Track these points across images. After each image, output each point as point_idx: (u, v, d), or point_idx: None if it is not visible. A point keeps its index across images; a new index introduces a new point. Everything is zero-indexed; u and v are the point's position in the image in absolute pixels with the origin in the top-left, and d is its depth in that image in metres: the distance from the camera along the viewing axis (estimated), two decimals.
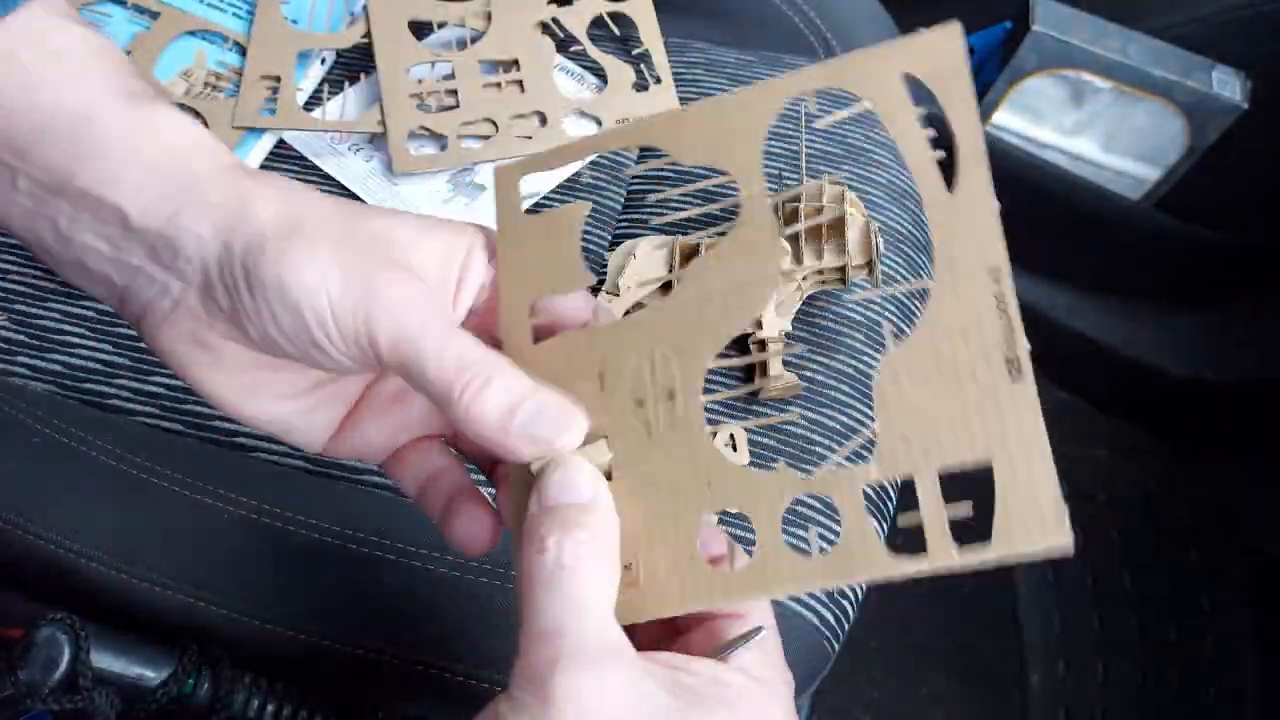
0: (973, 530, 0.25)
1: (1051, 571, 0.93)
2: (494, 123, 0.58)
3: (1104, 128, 0.88)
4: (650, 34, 0.63)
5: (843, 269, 0.51)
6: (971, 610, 0.90)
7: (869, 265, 0.51)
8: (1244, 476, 0.95)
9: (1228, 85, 0.83)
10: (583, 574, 0.27)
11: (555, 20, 0.62)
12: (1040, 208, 0.91)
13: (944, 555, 0.25)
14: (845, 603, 0.49)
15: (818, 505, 0.47)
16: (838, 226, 0.50)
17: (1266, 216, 0.89)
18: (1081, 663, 0.89)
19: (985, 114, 0.90)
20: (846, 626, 0.49)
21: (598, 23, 0.63)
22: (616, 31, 0.63)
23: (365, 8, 0.60)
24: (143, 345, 0.51)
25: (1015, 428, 0.25)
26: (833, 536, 0.32)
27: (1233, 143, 0.85)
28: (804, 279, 0.52)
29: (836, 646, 0.49)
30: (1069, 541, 0.24)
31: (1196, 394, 0.96)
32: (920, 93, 0.28)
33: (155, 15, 0.60)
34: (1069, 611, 0.91)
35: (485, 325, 0.32)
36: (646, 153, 0.58)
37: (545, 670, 0.25)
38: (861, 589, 0.50)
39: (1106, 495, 0.97)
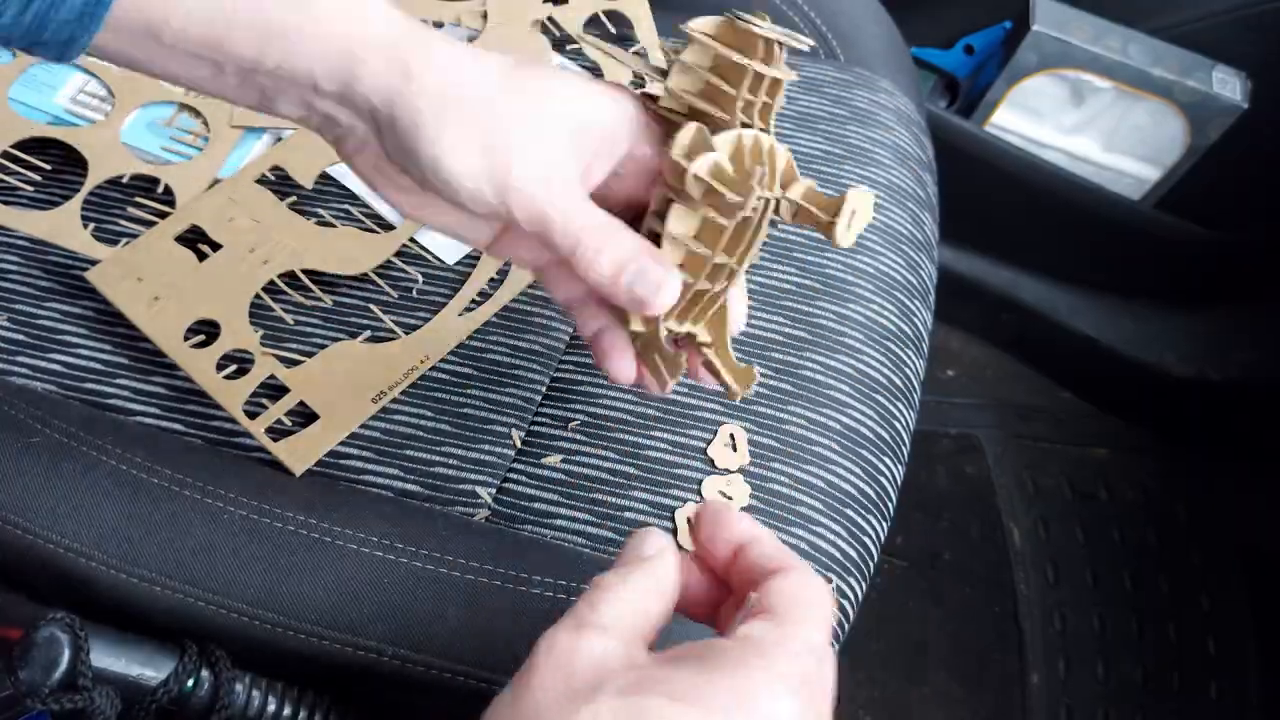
0: None
1: (1052, 571, 0.93)
2: None
3: (1104, 128, 0.88)
4: (646, 32, 0.63)
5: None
6: (971, 610, 0.90)
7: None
8: (1244, 476, 0.95)
9: (1228, 85, 0.83)
10: (614, 590, 0.30)
11: (551, 19, 0.62)
12: (1040, 208, 0.91)
13: None
14: (845, 603, 0.49)
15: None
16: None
17: (1267, 216, 0.89)
18: (1082, 662, 0.89)
19: (985, 114, 0.90)
20: (846, 627, 0.49)
21: (594, 21, 0.63)
22: (613, 30, 0.63)
23: None
24: (143, 345, 0.51)
25: None
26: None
27: (1233, 143, 0.85)
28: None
29: (837, 646, 0.49)
30: None
31: (1196, 394, 0.96)
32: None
33: None
34: (1069, 611, 0.91)
35: (621, 187, 0.38)
36: None
37: (541, 637, 0.28)
38: (862, 590, 0.50)
39: (1106, 495, 0.97)
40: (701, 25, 0.35)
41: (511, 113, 0.34)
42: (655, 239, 0.36)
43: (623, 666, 0.27)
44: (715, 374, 0.39)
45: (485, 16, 0.61)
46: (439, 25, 0.61)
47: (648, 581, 0.30)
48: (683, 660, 0.27)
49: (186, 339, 0.50)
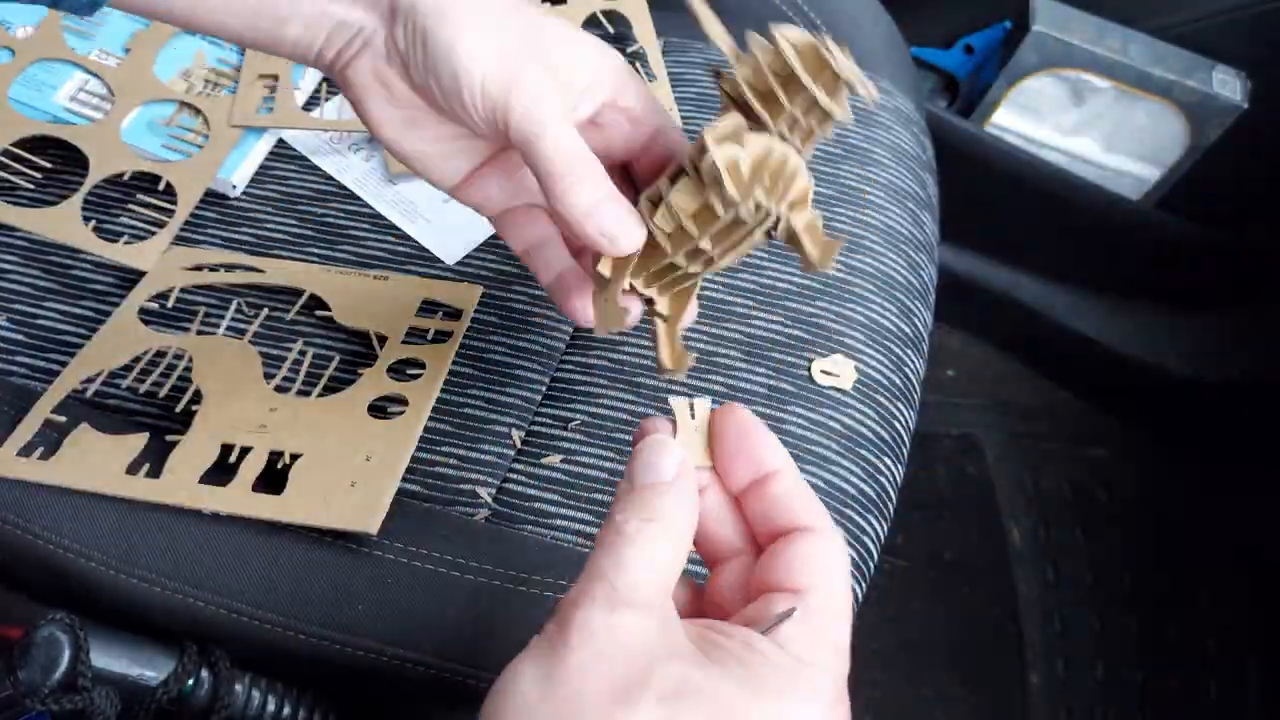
0: None
1: (1052, 571, 0.93)
2: None
3: (1104, 128, 0.88)
4: (645, 32, 0.63)
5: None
6: (971, 610, 0.90)
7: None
8: (1244, 476, 0.95)
9: (1228, 85, 0.83)
10: (639, 544, 0.28)
11: None
12: (1040, 208, 0.91)
13: None
14: None
15: None
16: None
17: (1267, 216, 0.89)
18: (1081, 662, 0.89)
19: (985, 114, 0.90)
20: None
21: (592, 21, 0.63)
22: (611, 30, 0.63)
23: None
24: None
25: None
26: None
27: (1233, 143, 0.85)
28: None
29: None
30: None
31: (1196, 394, 0.96)
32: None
33: None
34: (1069, 611, 0.91)
35: (599, 137, 0.39)
36: None
37: (570, 607, 0.27)
38: (862, 590, 0.50)
39: (1106, 495, 0.97)
40: (789, 34, 0.36)
41: (523, 30, 0.35)
42: (655, 203, 0.37)
43: (664, 653, 0.26)
44: (656, 345, 0.40)
45: None
46: None
47: (671, 528, 0.29)
48: (725, 665, 0.26)
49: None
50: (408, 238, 0.56)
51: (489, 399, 0.50)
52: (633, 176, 0.41)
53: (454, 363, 0.50)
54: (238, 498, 0.44)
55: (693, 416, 0.32)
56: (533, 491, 0.48)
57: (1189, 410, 0.98)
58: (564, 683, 0.25)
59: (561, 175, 0.35)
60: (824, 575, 0.29)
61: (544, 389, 0.51)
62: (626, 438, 0.49)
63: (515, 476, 0.48)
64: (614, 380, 0.51)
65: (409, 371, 0.49)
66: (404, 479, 0.48)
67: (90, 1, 0.35)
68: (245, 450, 0.46)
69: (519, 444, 0.49)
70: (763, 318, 0.54)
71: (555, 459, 0.49)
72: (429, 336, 0.51)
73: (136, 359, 0.50)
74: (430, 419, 0.49)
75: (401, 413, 0.47)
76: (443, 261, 0.55)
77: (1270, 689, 0.88)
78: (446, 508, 0.47)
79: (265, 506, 0.44)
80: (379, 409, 0.48)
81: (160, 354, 0.50)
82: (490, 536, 0.46)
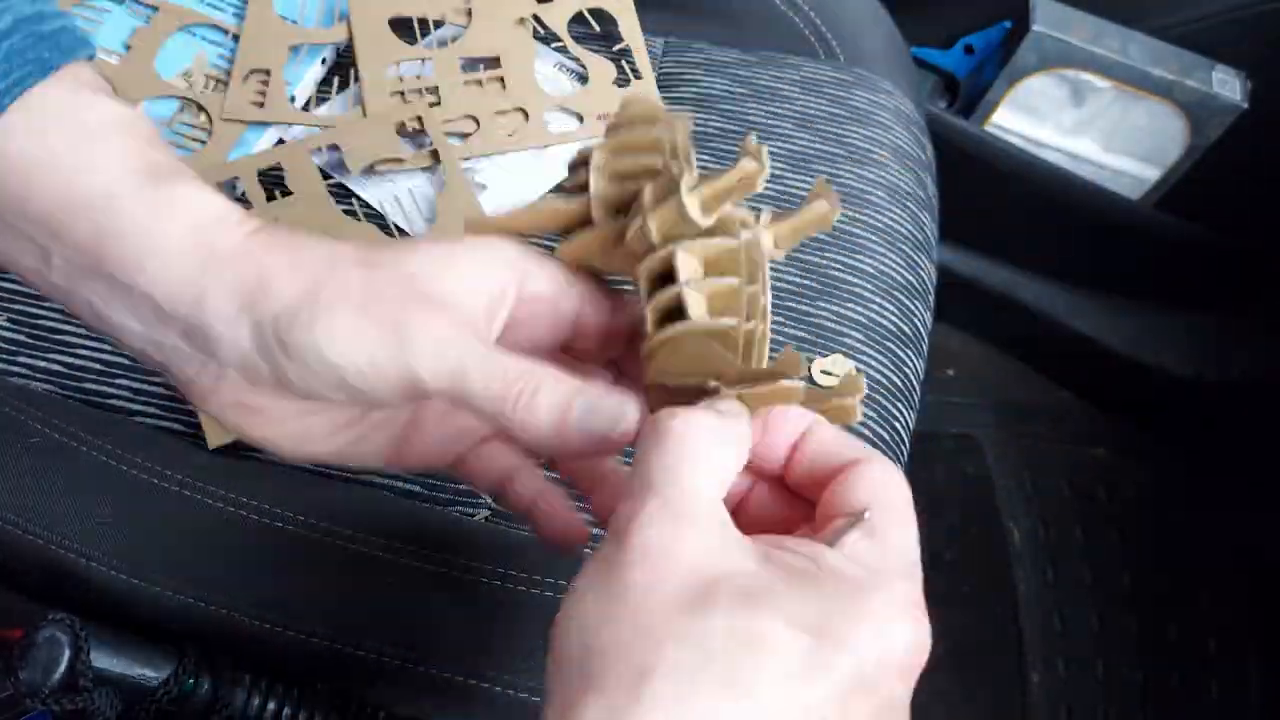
0: None
1: (1051, 571, 0.93)
2: (476, 119, 0.58)
3: (1104, 127, 0.88)
4: (630, 30, 0.63)
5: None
6: (971, 609, 0.90)
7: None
8: (1244, 476, 0.95)
9: (1228, 85, 0.83)
10: (690, 443, 0.26)
11: (536, 17, 0.62)
12: (1040, 208, 0.91)
13: None
14: None
15: None
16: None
17: (1266, 216, 0.89)
18: (1081, 662, 0.89)
19: (985, 114, 0.90)
20: None
21: (578, 19, 0.63)
22: (597, 28, 0.63)
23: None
24: None
25: None
26: None
27: (1233, 142, 0.85)
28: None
29: None
30: None
31: (1196, 394, 0.96)
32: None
33: (154, 9, 0.60)
34: (1069, 611, 0.91)
35: (524, 335, 0.32)
36: None
37: (626, 521, 0.25)
38: None
39: (1106, 495, 0.97)
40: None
41: (388, 279, 0.30)
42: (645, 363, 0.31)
43: (728, 563, 0.25)
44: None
45: (470, 14, 0.61)
46: (424, 23, 0.61)
47: (724, 425, 0.27)
48: (794, 573, 0.25)
49: None
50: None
51: None
52: (577, 355, 0.35)
53: None
54: None
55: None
56: None
57: (1189, 410, 0.98)
58: (627, 600, 0.24)
59: (508, 402, 0.29)
60: (882, 492, 0.28)
61: None
62: None
63: None
64: None
65: None
66: (404, 479, 0.48)
67: None
68: None
69: None
70: None
71: None
72: None
73: None
74: None
75: None
76: None
77: (1271, 689, 0.88)
78: (446, 508, 0.47)
79: None
80: None
81: None
82: (490, 536, 0.46)
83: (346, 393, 0.30)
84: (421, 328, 0.29)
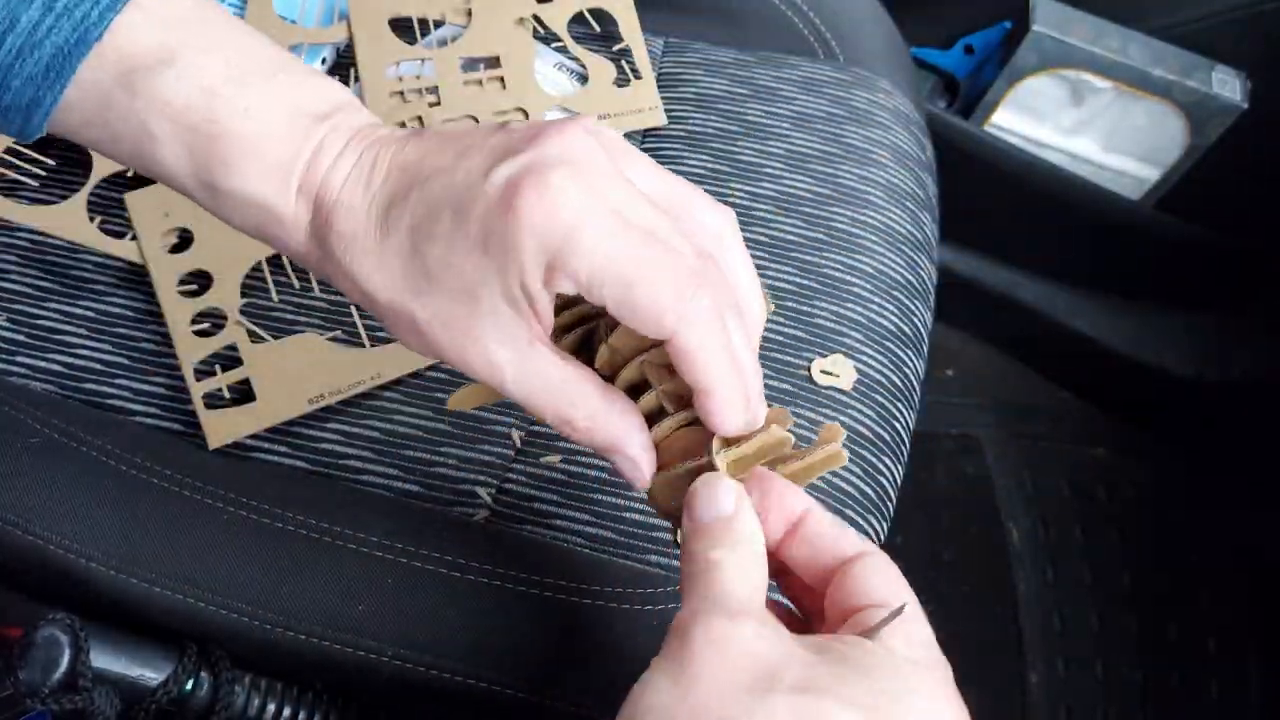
0: None
1: (1051, 571, 0.93)
2: (476, 120, 0.58)
3: (1104, 128, 0.88)
4: (630, 30, 0.63)
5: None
6: (970, 609, 0.90)
7: None
8: (1244, 476, 0.95)
9: (1228, 85, 0.83)
10: (729, 567, 0.29)
11: (536, 17, 0.62)
12: (1040, 208, 0.91)
13: None
14: None
15: None
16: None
17: (1266, 217, 0.89)
18: (1081, 662, 0.89)
19: (985, 114, 0.90)
20: None
21: (578, 19, 0.63)
22: (597, 28, 0.63)
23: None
24: (143, 345, 0.51)
25: None
26: None
27: (1233, 143, 0.85)
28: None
29: None
30: None
31: (1196, 394, 0.96)
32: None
33: None
34: (1068, 610, 0.91)
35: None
36: None
37: (688, 623, 0.28)
38: None
39: (1106, 495, 0.97)
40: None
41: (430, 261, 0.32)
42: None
43: (787, 653, 0.27)
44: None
45: (469, 14, 0.61)
46: (424, 23, 0.61)
47: (751, 548, 0.30)
48: (841, 660, 0.27)
49: (180, 284, 0.52)
50: None
51: None
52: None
53: None
54: None
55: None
56: (532, 491, 0.48)
57: (1189, 410, 0.98)
58: (696, 687, 0.27)
59: (544, 412, 0.32)
60: (896, 587, 0.30)
61: None
62: None
63: (515, 477, 0.48)
64: None
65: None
66: (404, 479, 0.48)
67: (24, 120, 0.32)
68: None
69: (519, 444, 0.49)
70: None
71: (555, 459, 0.49)
72: None
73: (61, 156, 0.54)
74: (430, 419, 0.49)
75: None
76: None
77: (1271, 689, 0.88)
78: (446, 508, 0.47)
79: None
80: None
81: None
82: (490, 536, 0.46)
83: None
84: (448, 329, 0.31)
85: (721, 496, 0.31)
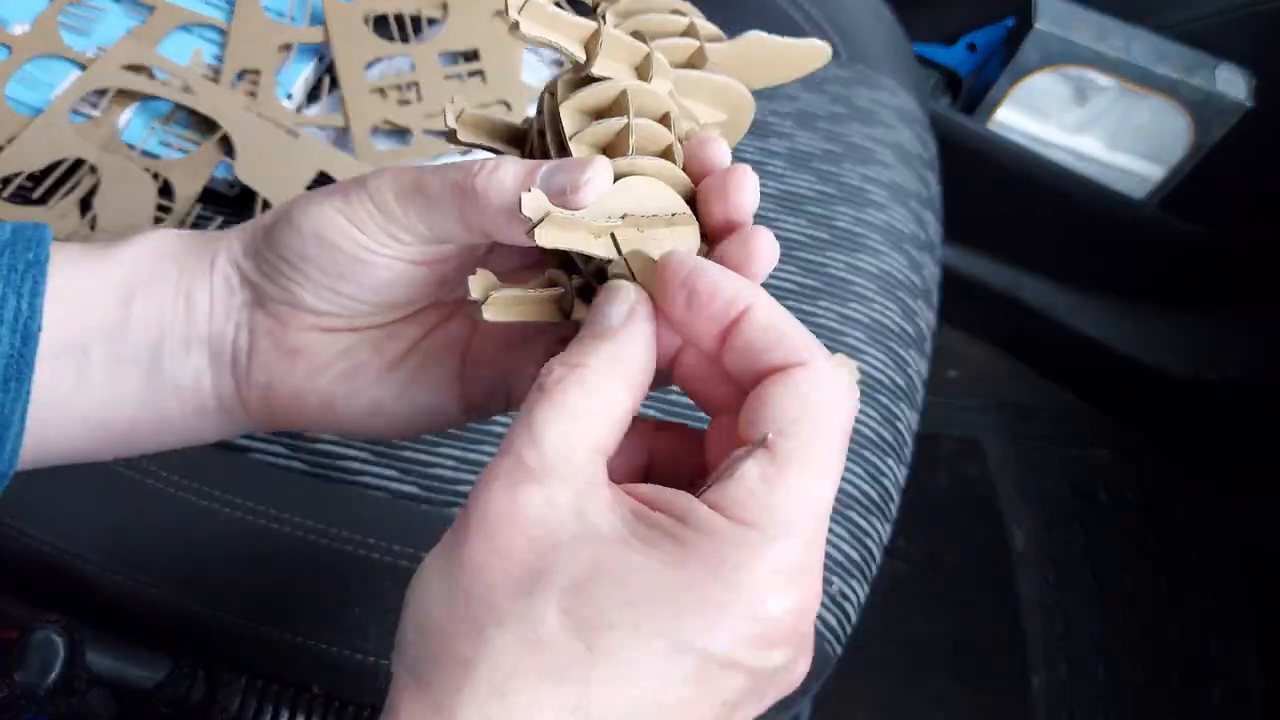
0: None
1: (1053, 572, 0.93)
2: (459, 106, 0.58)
3: (1108, 126, 0.88)
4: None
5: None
6: (972, 612, 0.90)
7: None
8: (1244, 476, 0.95)
9: (1233, 83, 0.83)
10: (553, 401, 0.23)
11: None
12: (1043, 206, 0.91)
13: None
14: (848, 605, 0.48)
15: None
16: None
17: (1270, 215, 0.89)
18: (1083, 664, 0.89)
19: (988, 112, 0.89)
20: (849, 629, 0.49)
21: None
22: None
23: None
24: None
25: None
26: None
27: (1237, 141, 0.85)
28: None
29: (839, 649, 0.48)
30: None
31: (1196, 394, 0.96)
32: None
33: (150, 9, 0.60)
34: (1070, 612, 0.91)
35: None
36: None
37: (479, 482, 0.23)
38: (864, 592, 0.50)
39: (1106, 495, 0.97)
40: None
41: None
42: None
43: (575, 534, 0.21)
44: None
45: (445, 7, 0.61)
46: (399, 18, 0.61)
47: (593, 377, 0.23)
48: (653, 536, 0.21)
49: None
50: None
51: None
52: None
53: None
54: None
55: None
56: None
57: (1189, 410, 0.98)
58: (460, 581, 0.22)
59: (471, 178, 0.26)
60: (799, 417, 0.22)
61: None
62: None
63: None
64: None
65: None
66: (401, 480, 0.48)
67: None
68: None
69: None
70: None
71: None
72: None
73: (54, 165, 0.53)
74: None
75: None
76: None
77: (1272, 689, 0.87)
78: (444, 509, 0.47)
79: None
80: None
81: (77, 164, 0.52)
82: None
83: (346, 268, 0.28)
84: (378, 173, 0.28)
85: (612, 308, 0.24)
